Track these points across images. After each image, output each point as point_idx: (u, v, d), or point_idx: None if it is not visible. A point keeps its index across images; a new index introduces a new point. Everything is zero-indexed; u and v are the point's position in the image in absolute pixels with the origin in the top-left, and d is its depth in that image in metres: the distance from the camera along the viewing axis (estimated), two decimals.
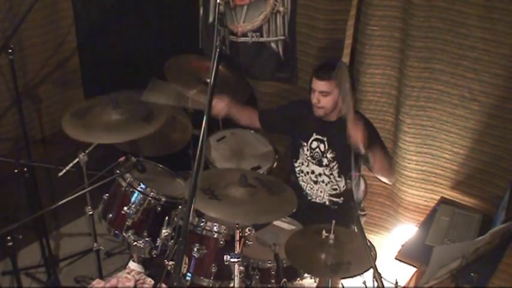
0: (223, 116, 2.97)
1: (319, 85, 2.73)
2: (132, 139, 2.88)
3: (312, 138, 2.88)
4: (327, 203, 2.93)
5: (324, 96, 2.73)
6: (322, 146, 2.86)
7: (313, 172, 2.92)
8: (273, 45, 3.33)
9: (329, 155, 2.85)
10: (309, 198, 2.96)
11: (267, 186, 2.37)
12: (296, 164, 2.98)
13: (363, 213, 3.03)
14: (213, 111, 2.83)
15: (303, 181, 2.97)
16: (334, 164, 2.85)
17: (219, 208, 2.19)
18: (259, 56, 3.41)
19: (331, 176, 2.88)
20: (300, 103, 3.00)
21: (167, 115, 2.84)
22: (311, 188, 2.94)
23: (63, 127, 2.71)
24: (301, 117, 2.93)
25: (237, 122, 3.09)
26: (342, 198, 2.90)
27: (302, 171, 2.96)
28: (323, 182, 2.91)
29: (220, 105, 2.89)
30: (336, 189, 2.90)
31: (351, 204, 2.16)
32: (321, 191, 2.92)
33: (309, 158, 2.91)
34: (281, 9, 3.21)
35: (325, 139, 2.85)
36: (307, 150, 2.91)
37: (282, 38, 3.28)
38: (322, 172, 2.90)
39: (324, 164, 2.88)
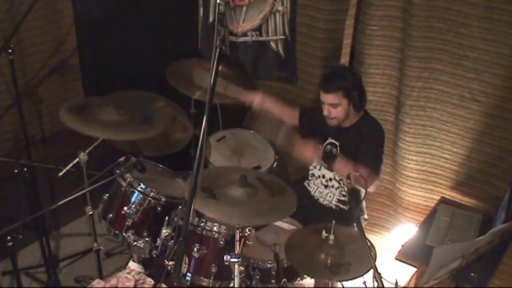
0: (260, 109, 2.98)
1: (327, 98, 2.70)
2: (130, 139, 2.88)
3: (327, 142, 2.86)
4: (334, 207, 2.91)
5: (334, 108, 2.70)
6: (334, 150, 2.84)
7: (324, 176, 2.91)
8: (272, 44, 3.32)
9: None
10: (316, 199, 2.95)
11: (268, 187, 2.37)
12: (310, 167, 2.97)
13: (365, 216, 3.02)
14: (253, 104, 2.97)
15: (314, 184, 2.96)
16: None
17: (216, 208, 2.18)
18: (259, 55, 3.40)
19: (341, 182, 2.87)
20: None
21: (167, 120, 2.85)
22: (320, 192, 2.93)
23: (60, 116, 2.68)
24: (320, 120, 2.88)
25: (275, 115, 3.05)
26: (348, 206, 2.87)
27: (314, 175, 2.95)
28: (333, 187, 2.90)
29: (259, 98, 2.96)
30: (344, 196, 2.89)
31: (351, 205, 2.15)
32: (330, 196, 2.91)
33: (321, 162, 2.90)
34: (280, 8, 3.20)
35: (338, 144, 2.83)
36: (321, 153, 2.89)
37: (282, 37, 3.27)
38: (332, 177, 2.88)
39: None
